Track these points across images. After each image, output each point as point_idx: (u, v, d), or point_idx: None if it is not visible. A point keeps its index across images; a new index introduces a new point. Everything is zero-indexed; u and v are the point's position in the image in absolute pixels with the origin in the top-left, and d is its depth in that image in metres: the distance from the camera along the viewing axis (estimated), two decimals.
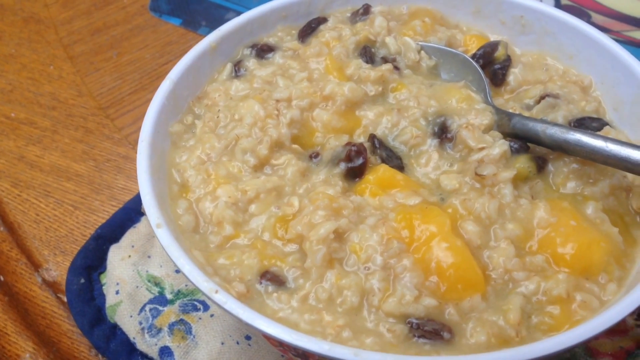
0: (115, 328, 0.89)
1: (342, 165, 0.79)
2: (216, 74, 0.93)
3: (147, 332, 0.87)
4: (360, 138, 0.83)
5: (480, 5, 1.00)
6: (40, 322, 0.93)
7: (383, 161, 0.80)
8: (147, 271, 0.93)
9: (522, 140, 0.80)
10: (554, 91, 0.89)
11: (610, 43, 0.89)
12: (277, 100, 0.84)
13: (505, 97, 0.92)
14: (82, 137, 1.19)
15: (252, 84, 0.89)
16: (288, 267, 0.71)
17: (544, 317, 0.67)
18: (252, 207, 0.76)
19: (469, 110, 0.84)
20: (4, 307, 0.94)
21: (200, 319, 0.88)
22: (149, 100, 0.84)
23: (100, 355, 0.89)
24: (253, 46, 0.96)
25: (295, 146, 0.82)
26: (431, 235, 0.69)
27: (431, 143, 0.82)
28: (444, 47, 0.94)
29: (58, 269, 0.99)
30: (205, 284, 0.65)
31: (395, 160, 0.80)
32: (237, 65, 0.93)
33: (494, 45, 0.93)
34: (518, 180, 0.77)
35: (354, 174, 0.78)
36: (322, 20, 0.99)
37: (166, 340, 0.86)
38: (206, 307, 0.89)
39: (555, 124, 0.78)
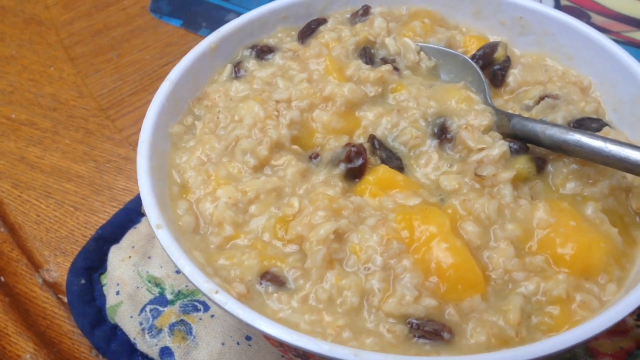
0: (115, 329, 0.89)
1: (342, 166, 0.79)
2: (216, 75, 0.93)
3: (148, 333, 0.87)
4: (360, 139, 0.83)
5: (480, 6, 1.00)
6: (41, 323, 0.94)
7: (383, 162, 0.80)
8: (147, 272, 0.93)
9: (521, 141, 0.80)
10: (553, 92, 0.89)
11: (610, 44, 0.89)
12: (277, 101, 0.84)
13: (504, 98, 0.92)
14: (82, 138, 1.19)
15: (252, 85, 0.89)
16: (288, 268, 0.71)
17: (543, 317, 0.67)
18: (252, 208, 0.76)
19: (469, 111, 0.84)
20: (4, 308, 0.94)
21: (200, 319, 0.88)
22: (149, 102, 0.84)
23: (100, 356, 0.89)
24: (253, 47, 0.96)
25: (295, 147, 0.82)
26: (431, 236, 0.69)
27: (431, 144, 0.82)
28: (443, 48, 0.94)
29: (59, 269, 0.99)
30: (205, 285, 0.65)
31: (395, 161, 0.80)
32: (237, 66, 0.94)
33: (493, 46, 0.93)
34: (518, 181, 0.77)
35: (354, 174, 0.79)
36: (321, 21, 0.99)
37: (167, 340, 0.86)
38: (206, 308, 0.89)
39: (555, 125, 0.78)
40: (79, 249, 0.98)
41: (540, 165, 0.79)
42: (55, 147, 1.17)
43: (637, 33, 1.33)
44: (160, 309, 0.89)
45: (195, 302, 0.90)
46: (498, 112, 0.84)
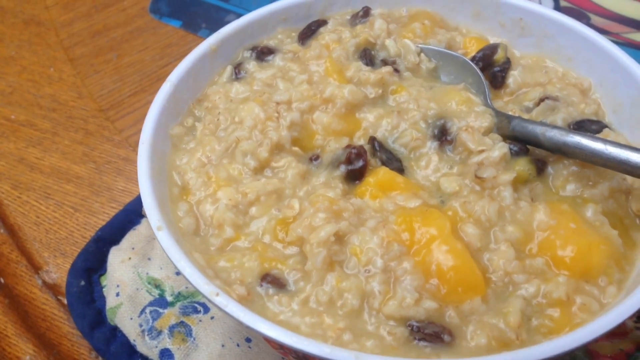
0: (115, 330, 0.89)
1: (342, 168, 0.79)
2: (216, 77, 0.93)
3: (148, 335, 0.87)
4: (360, 140, 0.83)
5: (480, 7, 1.00)
6: (41, 325, 0.93)
7: (383, 164, 0.80)
8: (147, 273, 0.93)
9: (521, 142, 0.80)
10: (553, 93, 0.89)
11: (609, 45, 0.89)
12: (277, 103, 0.84)
13: (504, 100, 0.92)
14: (82, 139, 1.19)
15: (252, 86, 0.89)
16: (289, 270, 0.71)
17: (544, 319, 0.67)
18: (253, 210, 0.76)
19: (469, 112, 0.84)
20: (4, 310, 0.94)
21: (200, 321, 0.88)
22: (149, 102, 0.84)
23: (100, 358, 0.89)
24: (253, 49, 0.96)
25: (295, 149, 0.82)
26: (431, 238, 0.69)
27: (431, 145, 0.82)
28: (443, 50, 0.94)
29: (58, 271, 0.99)
30: (206, 287, 0.65)
31: (395, 163, 0.80)
32: (237, 68, 0.94)
33: (493, 48, 0.94)
34: (518, 183, 0.77)
35: (354, 176, 0.79)
36: (322, 22, 0.99)
37: (166, 342, 0.86)
38: (206, 310, 0.89)
39: (555, 127, 0.78)
40: (79, 250, 0.98)
41: (540, 167, 0.79)
42: (54, 148, 1.17)
43: (636, 34, 1.33)
44: (160, 310, 0.89)
45: (195, 304, 0.90)
46: (498, 113, 0.84)
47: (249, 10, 0.98)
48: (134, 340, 0.87)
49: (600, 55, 0.90)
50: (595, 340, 0.62)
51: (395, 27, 0.98)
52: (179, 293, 0.91)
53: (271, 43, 0.98)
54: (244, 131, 0.82)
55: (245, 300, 0.68)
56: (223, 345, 0.86)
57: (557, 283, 0.68)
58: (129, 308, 0.90)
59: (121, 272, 0.93)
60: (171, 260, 0.68)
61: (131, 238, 0.98)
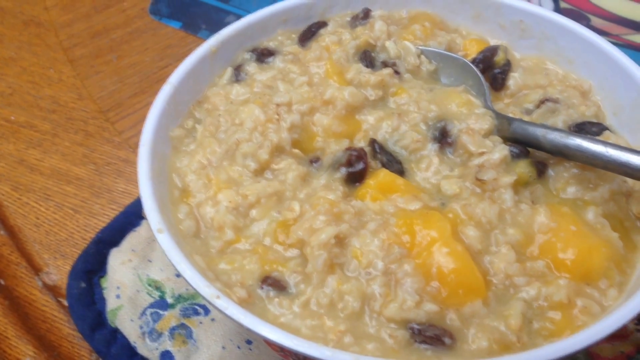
0: (115, 332, 0.89)
1: (343, 170, 0.79)
2: (216, 78, 0.93)
3: (148, 337, 0.87)
4: (361, 143, 0.83)
5: (480, 9, 1.00)
6: (41, 326, 0.93)
7: (383, 166, 0.80)
8: (147, 275, 0.93)
9: (522, 145, 0.80)
10: (553, 96, 0.89)
11: (609, 47, 0.89)
12: (278, 105, 0.84)
13: (505, 102, 0.92)
14: (82, 140, 1.19)
15: (253, 88, 0.89)
16: (289, 272, 0.71)
17: (545, 322, 0.67)
18: (253, 212, 0.76)
19: (469, 114, 0.84)
20: (4, 311, 0.94)
21: (201, 323, 0.88)
22: (149, 104, 0.84)
23: None
24: (253, 50, 0.96)
25: (295, 151, 0.82)
26: (432, 241, 0.69)
27: (431, 148, 0.82)
28: (443, 52, 0.94)
29: (58, 272, 0.99)
30: (206, 290, 0.65)
31: (395, 165, 0.80)
32: (238, 70, 0.94)
33: (493, 50, 0.94)
34: (518, 185, 0.77)
35: (355, 178, 0.79)
36: (322, 24, 0.99)
37: (167, 344, 0.86)
38: (207, 312, 0.89)
39: (556, 129, 0.78)
40: (79, 252, 0.98)
41: (540, 170, 0.79)
42: (54, 149, 1.17)
43: (636, 36, 1.33)
44: (161, 312, 0.89)
45: (195, 306, 0.90)
46: (498, 116, 0.84)
47: (249, 12, 0.98)
48: (135, 342, 0.87)
49: (601, 57, 0.90)
50: (597, 343, 0.61)
51: (395, 28, 0.98)
52: (180, 295, 0.91)
53: (271, 45, 0.98)
54: (244, 133, 0.82)
55: (246, 303, 0.68)
56: (223, 348, 0.86)
57: (558, 286, 0.68)
58: (130, 310, 0.90)
59: (121, 274, 0.93)
60: (172, 263, 0.68)
61: (131, 240, 0.98)
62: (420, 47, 0.94)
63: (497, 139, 0.81)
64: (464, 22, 1.02)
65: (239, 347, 0.86)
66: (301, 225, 0.72)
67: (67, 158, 1.15)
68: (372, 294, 0.68)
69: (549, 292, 0.68)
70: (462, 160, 0.80)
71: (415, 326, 0.66)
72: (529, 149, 0.80)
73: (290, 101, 0.84)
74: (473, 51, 0.97)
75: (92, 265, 0.96)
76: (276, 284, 0.70)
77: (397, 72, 0.91)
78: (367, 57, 0.92)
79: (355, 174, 0.78)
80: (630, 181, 0.79)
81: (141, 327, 0.88)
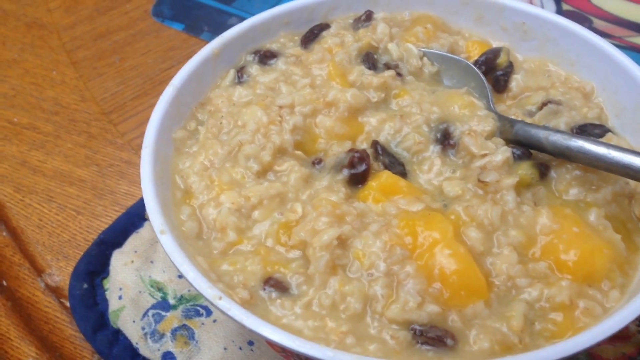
0: (118, 333, 0.89)
1: (345, 172, 0.79)
2: (219, 80, 0.94)
3: (150, 338, 0.87)
4: (363, 144, 0.83)
5: (482, 11, 1.00)
6: (43, 327, 0.94)
7: (386, 167, 0.80)
8: (150, 276, 0.94)
9: (524, 146, 0.80)
10: (556, 97, 0.89)
11: (611, 49, 0.89)
12: (280, 107, 0.84)
13: (507, 104, 0.92)
14: (85, 142, 1.19)
15: (255, 90, 0.89)
16: (291, 274, 0.71)
17: (547, 324, 0.67)
18: (256, 214, 0.76)
19: (472, 116, 0.84)
20: (7, 312, 0.94)
21: (203, 324, 0.88)
22: (151, 105, 0.84)
23: None
24: (256, 52, 0.96)
25: (298, 152, 0.82)
26: (434, 242, 0.69)
27: (434, 149, 0.82)
28: (446, 54, 0.94)
29: (61, 274, 0.99)
30: (209, 291, 0.65)
31: (398, 167, 0.80)
32: (240, 72, 0.94)
33: (496, 52, 0.94)
34: (521, 187, 0.77)
35: (357, 180, 0.79)
36: (324, 26, 0.99)
37: (169, 345, 0.86)
38: (209, 313, 0.89)
39: (558, 131, 0.78)
40: (82, 253, 0.98)
41: (543, 171, 0.79)
42: (57, 151, 1.17)
43: (638, 38, 1.33)
44: (163, 313, 0.89)
45: (197, 307, 0.90)
46: (501, 117, 0.84)
47: (252, 14, 0.99)
48: (137, 343, 0.87)
49: (603, 59, 0.90)
50: (598, 345, 0.62)
51: (397, 31, 0.98)
52: (182, 296, 0.91)
53: (274, 47, 0.98)
54: (246, 135, 0.82)
55: (248, 304, 0.68)
56: (225, 349, 0.86)
57: (560, 287, 0.68)
58: (132, 311, 0.90)
59: (124, 275, 0.93)
60: (174, 264, 0.68)
61: (134, 241, 0.98)
62: (422, 49, 0.94)
63: (500, 140, 0.81)
64: (466, 24, 1.02)
65: (240, 348, 0.86)
66: (303, 226, 0.72)
67: (69, 160, 1.16)
68: (374, 295, 0.68)
69: (551, 294, 0.68)
70: (464, 162, 0.80)
71: (417, 327, 0.66)
72: (531, 151, 0.80)
73: (293, 103, 0.84)
74: (475, 53, 0.97)
75: (94, 267, 0.96)
76: (278, 285, 0.70)
77: (399, 74, 0.91)
78: (370, 59, 0.92)
79: (357, 176, 0.78)
80: (632, 183, 0.79)
81: (143, 328, 0.88)
